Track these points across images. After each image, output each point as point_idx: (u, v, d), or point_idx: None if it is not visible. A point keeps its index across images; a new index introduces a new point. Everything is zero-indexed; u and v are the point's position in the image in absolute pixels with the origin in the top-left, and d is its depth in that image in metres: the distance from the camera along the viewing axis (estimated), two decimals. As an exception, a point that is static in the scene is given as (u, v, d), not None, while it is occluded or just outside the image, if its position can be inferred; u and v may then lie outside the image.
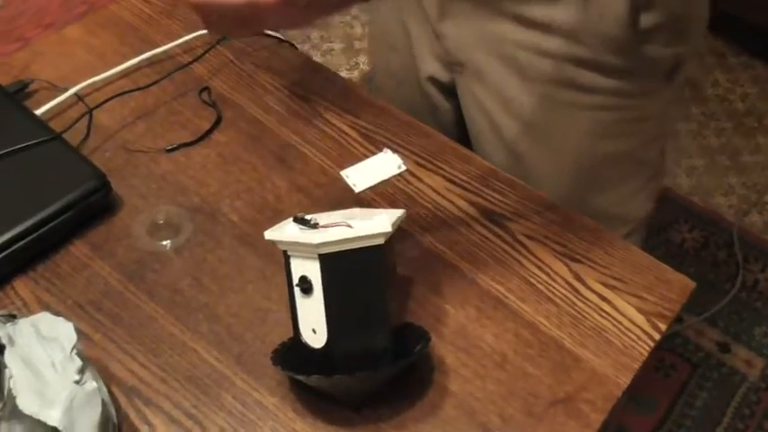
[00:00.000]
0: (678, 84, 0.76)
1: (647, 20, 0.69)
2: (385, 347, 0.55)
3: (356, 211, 0.62)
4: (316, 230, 0.55)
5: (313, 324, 0.55)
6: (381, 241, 0.54)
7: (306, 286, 0.54)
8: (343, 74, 2.10)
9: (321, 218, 0.58)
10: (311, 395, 0.60)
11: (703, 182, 1.85)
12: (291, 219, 0.58)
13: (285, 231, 0.57)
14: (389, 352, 0.55)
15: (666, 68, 0.74)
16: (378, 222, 0.54)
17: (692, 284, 0.69)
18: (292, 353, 0.58)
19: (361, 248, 0.53)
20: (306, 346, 0.56)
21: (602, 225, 0.74)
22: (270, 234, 0.56)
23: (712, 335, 1.54)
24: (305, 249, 0.54)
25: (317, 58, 2.15)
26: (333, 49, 2.15)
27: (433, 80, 0.85)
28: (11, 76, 0.84)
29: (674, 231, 1.72)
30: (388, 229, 0.53)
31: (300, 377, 0.56)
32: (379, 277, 0.54)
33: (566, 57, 0.71)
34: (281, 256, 0.58)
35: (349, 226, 0.55)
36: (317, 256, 0.53)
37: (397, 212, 0.58)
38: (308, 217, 0.57)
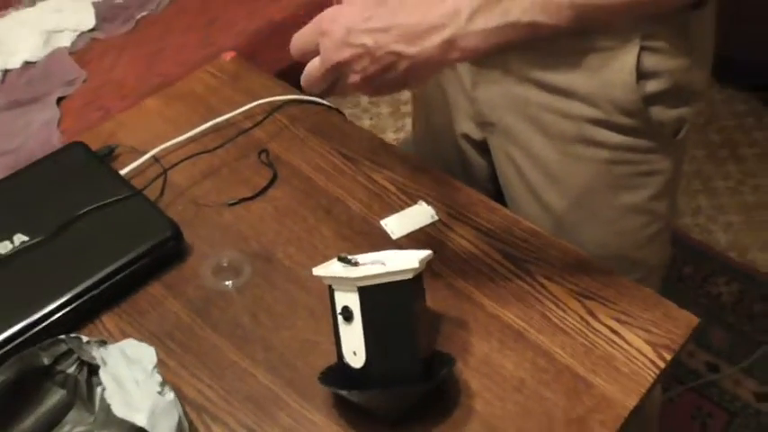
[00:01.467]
0: (683, 142, 0.85)
1: (651, 86, 0.79)
2: (415, 367, 0.64)
3: (391, 252, 0.72)
4: (356, 267, 0.66)
5: (354, 347, 0.65)
6: (410, 276, 0.63)
7: (347, 315, 0.64)
8: (391, 135, 2.24)
9: (360, 258, 0.68)
10: (353, 413, 0.69)
11: (740, 237, 1.89)
12: (336, 258, 0.68)
13: (330, 269, 0.67)
14: (420, 371, 0.65)
15: (672, 128, 0.83)
16: (408, 260, 0.64)
17: (695, 320, 0.77)
18: (336, 374, 0.68)
19: (393, 282, 0.63)
20: (348, 367, 0.66)
21: (619, 268, 0.82)
22: (317, 271, 0.67)
23: (749, 385, 1.57)
24: (346, 283, 0.64)
25: (366, 121, 2.30)
26: (381, 113, 2.29)
27: (467, 138, 0.96)
28: (100, 142, 0.98)
29: (711, 285, 1.77)
30: (416, 265, 0.63)
31: (343, 392, 0.65)
32: (410, 306, 0.64)
33: (583, 118, 0.81)
34: (327, 295, 0.68)
35: (383, 264, 0.65)
36: (356, 288, 0.63)
37: (426, 253, 0.68)
38: (349, 257, 0.68)
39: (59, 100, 1.67)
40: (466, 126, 0.94)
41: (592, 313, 0.77)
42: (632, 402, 0.70)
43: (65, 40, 1.82)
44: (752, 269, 1.80)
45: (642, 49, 0.75)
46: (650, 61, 0.77)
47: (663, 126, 0.82)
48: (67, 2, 1.88)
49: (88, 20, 1.86)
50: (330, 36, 0.63)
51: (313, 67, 0.66)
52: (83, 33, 1.85)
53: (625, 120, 0.80)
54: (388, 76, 0.64)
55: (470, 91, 0.88)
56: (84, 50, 1.82)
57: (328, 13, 0.64)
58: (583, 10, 0.62)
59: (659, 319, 0.76)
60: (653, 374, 0.72)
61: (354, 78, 0.65)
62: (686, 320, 0.77)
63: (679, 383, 1.58)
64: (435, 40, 0.62)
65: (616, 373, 0.72)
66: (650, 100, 0.79)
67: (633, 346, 0.74)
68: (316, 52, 0.65)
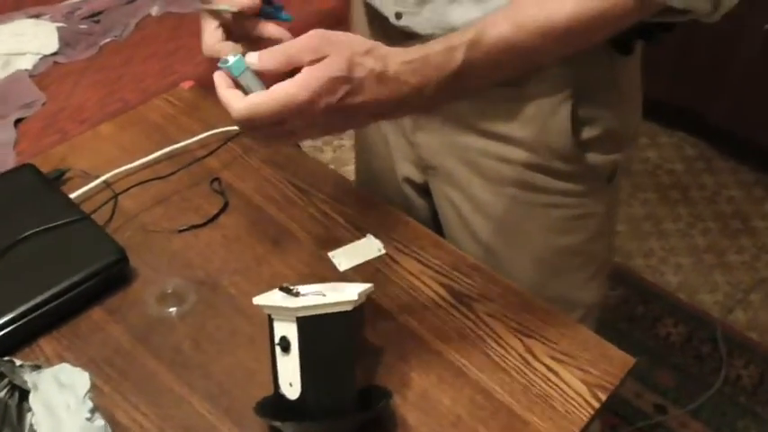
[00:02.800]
0: (617, 186, 0.88)
1: (587, 133, 0.81)
2: (350, 400, 0.65)
3: (335, 284, 0.73)
4: (296, 298, 0.66)
5: (290, 378, 0.65)
6: (349, 308, 0.64)
7: (285, 345, 0.65)
8: (351, 167, 2.25)
9: (302, 288, 0.69)
10: (289, 445, 0.69)
11: (690, 279, 1.94)
12: (278, 288, 0.69)
13: (271, 298, 0.68)
14: (355, 404, 0.65)
15: (606, 173, 0.86)
16: (347, 293, 0.65)
17: (631, 360, 0.78)
18: (272, 404, 0.67)
19: (331, 314, 0.64)
20: (283, 398, 0.66)
21: (558, 308, 0.84)
22: (257, 300, 0.67)
23: (696, 427, 1.59)
24: (285, 313, 0.64)
25: (329, 153, 2.31)
26: (343, 145, 2.31)
27: (409, 181, 0.97)
28: (51, 165, 0.97)
29: (660, 326, 1.80)
30: (355, 298, 0.64)
31: (277, 424, 0.65)
32: (347, 339, 0.64)
33: (521, 162, 0.83)
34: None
35: (324, 295, 0.66)
36: (295, 318, 0.64)
37: (366, 286, 0.69)
38: (291, 287, 0.68)
39: (17, 122, 1.66)
40: (407, 169, 0.96)
41: (531, 351, 0.78)
42: (566, 441, 0.71)
43: (26, 63, 1.81)
44: (700, 311, 1.84)
45: (576, 97, 0.78)
46: (584, 109, 0.79)
47: (597, 171, 0.85)
48: (30, 26, 1.88)
49: (51, 44, 1.85)
50: (304, 116, 0.60)
51: (264, 109, 0.60)
52: (45, 57, 1.84)
53: (561, 165, 0.82)
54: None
55: (411, 136, 0.90)
56: (45, 74, 1.81)
57: (300, 95, 0.59)
58: (528, 65, 0.65)
59: (596, 358, 0.78)
60: (587, 414, 0.73)
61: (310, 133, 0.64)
62: (622, 361, 0.78)
63: (628, 424, 1.59)
64: (400, 113, 0.65)
65: (551, 411, 0.73)
66: (585, 146, 0.82)
67: (570, 386, 0.75)
68: None
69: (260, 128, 0.61)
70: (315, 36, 0.60)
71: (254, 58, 0.61)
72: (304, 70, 0.60)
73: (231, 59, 0.62)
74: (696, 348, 1.75)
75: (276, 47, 0.61)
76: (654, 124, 2.41)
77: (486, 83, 0.65)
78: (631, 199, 2.17)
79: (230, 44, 0.70)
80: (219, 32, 0.70)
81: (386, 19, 0.80)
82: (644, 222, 2.09)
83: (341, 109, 0.61)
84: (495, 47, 0.62)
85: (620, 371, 0.77)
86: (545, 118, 0.79)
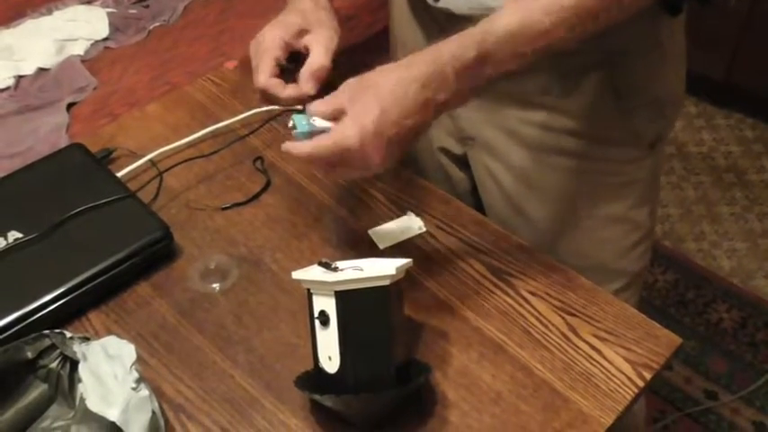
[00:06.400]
0: (660, 153, 0.86)
1: (629, 98, 0.80)
2: (388, 374, 0.65)
3: (372, 260, 0.73)
4: (334, 272, 0.66)
5: (329, 352, 0.65)
6: (387, 282, 0.64)
7: (324, 319, 0.65)
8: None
9: (341, 264, 0.69)
10: (328, 419, 0.69)
11: (744, 264, 1.88)
12: (317, 263, 0.69)
13: (310, 273, 0.68)
14: (392, 378, 0.65)
15: (649, 140, 0.84)
16: (384, 267, 0.65)
17: (678, 340, 0.76)
18: (312, 378, 0.68)
19: (369, 288, 0.64)
20: (323, 371, 0.66)
21: (601, 277, 0.83)
22: (297, 274, 0.67)
23: (748, 414, 1.55)
24: (324, 287, 0.65)
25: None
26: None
27: (446, 152, 0.97)
28: (100, 144, 0.99)
29: (711, 311, 1.75)
30: (393, 272, 0.64)
31: (316, 396, 0.65)
32: (385, 313, 0.64)
33: (562, 129, 0.82)
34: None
35: (362, 270, 0.66)
36: (333, 293, 0.64)
37: (404, 261, 0.69)
38: (330, 262, 0.68)
39: (69, 106, 1.70)
40: (444, 140, 0.95)
41: (574, 330, 0.77)
42: (608, 420, 0.70)
43: (78, 49, 1.85)
44: (755, 297, 1.79)
45: (618, 61, 0.77)
46: (626, 74, 0.78)
47: (640, 137, 0.83)
48: (82, 11, 1.91)
49: (102, 29, 1.89)
50: (363, 150, 0.65)
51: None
52: (96, 42, 1.87)
53: (604, 131, 0.81)
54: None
55: None
56: (97, 59, 1.85)
57: (350, 131, 0.65)
58: (544, 51, 0.64)
59: (641, 337, 0.76)
60: (631, 393, 0.71)
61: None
62: (668, 340, 0.76)
63: (676, 410, 1.56)
64: (430, 91, 0.64)
65: (594, 390, 0.72)
66: (628, 112, 0.80)
67: (613, 364, 0.74)
68: None
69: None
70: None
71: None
72: None
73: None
74: (750, 335, 1.70)
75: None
76: (710, 105, 2.34)
77: (505, 70, 0.64)
78: (683, 182, 2.11)
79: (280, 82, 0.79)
80: (276, 70, 0.79)
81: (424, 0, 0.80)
82: (696, 205, 2.04)
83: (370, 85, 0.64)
84: (508, 33, 0.63)
85: (667, 350, 0.75)
86: (586, 84, 0.78)
